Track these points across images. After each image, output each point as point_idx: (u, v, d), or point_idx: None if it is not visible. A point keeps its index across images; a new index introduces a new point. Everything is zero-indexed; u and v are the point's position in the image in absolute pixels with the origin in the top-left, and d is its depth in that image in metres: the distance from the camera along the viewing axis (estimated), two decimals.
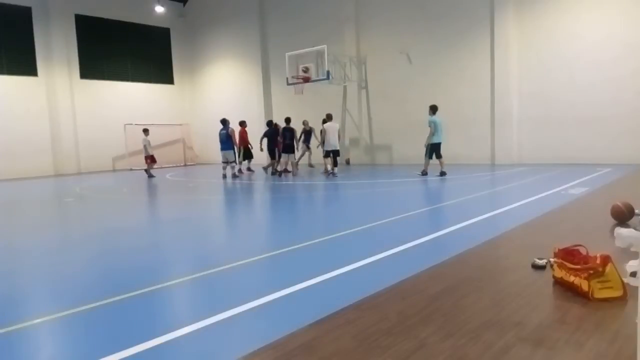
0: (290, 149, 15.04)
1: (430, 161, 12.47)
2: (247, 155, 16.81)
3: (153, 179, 16.17)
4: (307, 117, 16.82)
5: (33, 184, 16.70)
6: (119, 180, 16.34)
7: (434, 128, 12.13)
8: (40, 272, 4.83)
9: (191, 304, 3.71)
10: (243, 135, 16.47)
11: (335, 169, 14.10)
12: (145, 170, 17.07)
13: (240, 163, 16.25)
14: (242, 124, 16.49)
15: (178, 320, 3.20)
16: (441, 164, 12.28)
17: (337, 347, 2.58)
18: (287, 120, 15.46)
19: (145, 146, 16.68)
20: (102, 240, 6.57)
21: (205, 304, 3.59)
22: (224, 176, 14.80)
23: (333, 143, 13.93)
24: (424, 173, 12.33)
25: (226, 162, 14.89)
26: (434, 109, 12.33)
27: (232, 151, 15.04)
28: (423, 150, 17.00)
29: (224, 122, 15.11)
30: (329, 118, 14.63)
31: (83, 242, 6.46)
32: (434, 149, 12.24)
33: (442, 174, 12.15)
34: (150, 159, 16.85)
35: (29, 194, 13.38)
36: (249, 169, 17.12)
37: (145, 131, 16.79)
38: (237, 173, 15.40)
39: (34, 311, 3.58)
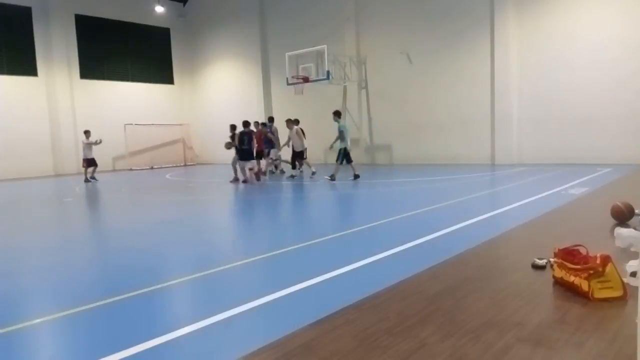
0: (247, 155, 13.23)
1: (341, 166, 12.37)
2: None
3: (90, 183, 15.26)
4: (307, 117, 16.73)
5: (33, 184, 16.69)
6: (119, 180, 16.33)
7: (345, 133, 12.21)
8: (40, 272, 4.82)
9: (191, 304, 3.71)
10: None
11: (295, 171, 14.33)
12: (87, 176, 15.81)
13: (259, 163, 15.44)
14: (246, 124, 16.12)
15: (178, 320, 3.20)
16: (353, 167, 12.29)
17: (337, 347, 2.58)
18: (245, 123, 13.53)
19: (88, 145, 15.65)
20: (102, 240, 6.58)
21: (205, 304, 3.59)
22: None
23: (295, 146, 14.27)
24: (333, 178, 12.17)
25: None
26: (338, 114, 12.46)
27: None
28: (422, 151, 17.04)
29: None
30: (296, 122, 14.57)
31: (83, 242, 6.46)
32: (346, 154, 12.24)
33: (356, 176, 12.14)
34: (88, 163, 15.77)
35: (29, 194, 13.38)
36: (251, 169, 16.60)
37: (86, 133, 15.91)
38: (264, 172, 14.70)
39: (34, 311, 3.58)
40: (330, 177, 12.27)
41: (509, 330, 2.69)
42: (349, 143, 12.39)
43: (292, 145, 14.47)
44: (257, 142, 14.21)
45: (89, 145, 15.81)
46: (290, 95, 18.91)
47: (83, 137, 16.09)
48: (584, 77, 13.69)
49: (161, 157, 24.10)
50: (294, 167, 14.53)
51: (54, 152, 21.02)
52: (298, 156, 14.37)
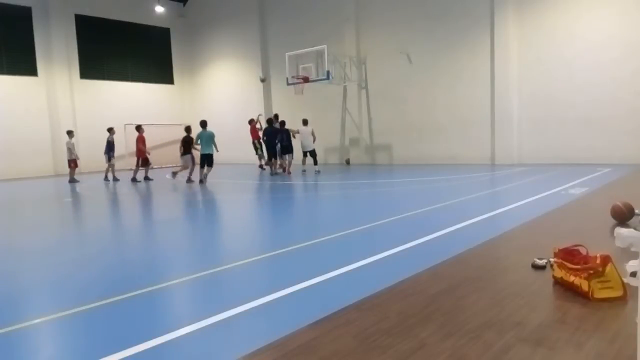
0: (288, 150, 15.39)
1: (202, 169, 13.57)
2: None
3: (76, 184, 15.33)
4: (307, 117, 16.74)
5: (33, 184, 16.69)
6: (119, 181, 16.33)
7: (201, 141, 13.56)
8: (40, 272, 4.83)
9: (191, 304, 3.71)
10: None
11: (317, 167, 15.34)
12: (72, 176, 15.79)
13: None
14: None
15: (178, 320, 3.20)
16: (207, 171, 13.58)
17: (337, 347, 2.58)
18: (282, 122, 15.78)
19: (69, 149, 15.53)
20: (102, 240, 6.58)
21: (205, 304, 3.59)
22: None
23: (306, 144, 15.33)
24: (190, 180, 13.82)
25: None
26: (202, 125, 13.68)
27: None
28: (422, 151, 17.08)
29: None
30: (304, 123, 15.52)
31: (82, 242, 6.47)
32: (203, 159, 13.52)
33: (190, 180, 13.73)
34: (74, 164, 15.65)
35: (29, 194, 13.38)
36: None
37: (69, 133, 15.78)
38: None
39: (34, 311, 3.58)
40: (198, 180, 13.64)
41: (509, 330, 2.69)
42: (209, 149, 13.53)
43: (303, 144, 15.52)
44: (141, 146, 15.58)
45: (73, 146, 15.69)
46: (291, 95, 18.92)
47: (67, 137, 15.89)
48: (583, 77, 13.69)
49: (161, 157, 24.06)
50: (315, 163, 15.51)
51: (54, 152, 21.01)
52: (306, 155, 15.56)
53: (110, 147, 15.82)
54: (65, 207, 10.51)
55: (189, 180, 13.87)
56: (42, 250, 5.90)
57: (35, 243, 6.40)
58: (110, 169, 16.05)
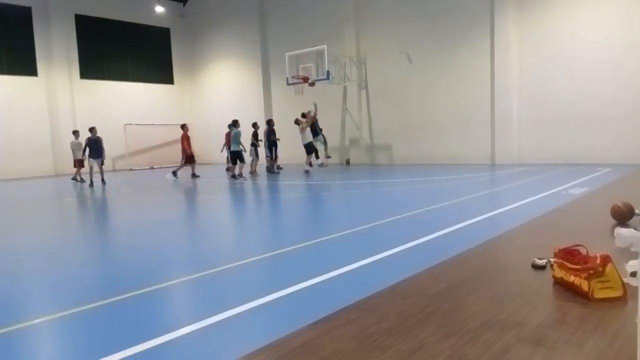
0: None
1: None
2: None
3: (79, 183, 15.31)
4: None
5: (33, 184, 16.69)
6: (119, 181, 16.34)
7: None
8: (40, 272, 4.83)
9: (191, 304, 3.71)
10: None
11: (306, 167, 15.65)
12: (74, 177, 15.81)
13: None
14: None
15: (178, 320, 3.20)
16: (240, 167, 14.89)
17: (337, 347, 2.58)
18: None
19: (73, 150, 15.56)
20: (102, 239, 6.58)
21: (205, 304, 3.59)
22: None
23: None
24: (240, 175, 14.99)
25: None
26: (234, 124, 15.03)
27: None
28: (422, 151, 17.12)
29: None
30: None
31: (83, 242, 6.46)
32: (233, 156, 14.85)
33: (235, 176, 14.72)
34: (79, 163, 15.52)
35: (29, 194, 13.38)
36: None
37: (75, 133, 15.76)
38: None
39: (34, 311, 3.58)
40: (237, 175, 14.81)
41: (509, 330, 2.69)
42: (236, 147, 14.77)
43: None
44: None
45: (77, 146, 15.61)
46: (291, 95, 18.92)
47: (72, 137, 15.83)
48: (584, 77, 13.69)
49: (161, 157, 24.08)
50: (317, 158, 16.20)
51: (54, 152, 21.01)
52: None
53: (92, 148, 14.77)
54: (64, 207, 10.51)
55: (253, 172, 15.46)
56: (42, 250, 5.90)
57: (34, 243, 6.40)
58: (100, 169, 15.14)
